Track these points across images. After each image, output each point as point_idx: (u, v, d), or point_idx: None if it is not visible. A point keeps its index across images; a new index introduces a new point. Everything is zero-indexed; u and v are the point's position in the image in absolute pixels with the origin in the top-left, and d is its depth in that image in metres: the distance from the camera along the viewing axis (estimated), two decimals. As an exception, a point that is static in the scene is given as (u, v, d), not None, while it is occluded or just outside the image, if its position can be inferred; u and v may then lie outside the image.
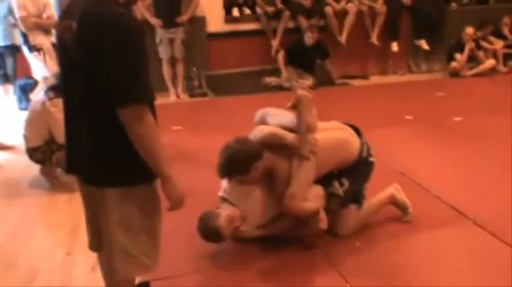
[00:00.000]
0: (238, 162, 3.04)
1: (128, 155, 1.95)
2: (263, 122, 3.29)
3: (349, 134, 3.32)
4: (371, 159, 3.35)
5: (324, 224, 3.14)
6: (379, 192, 3.58)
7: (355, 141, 3.29)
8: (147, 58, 1.97)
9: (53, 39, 6.37)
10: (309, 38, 7.72)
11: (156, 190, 2.12)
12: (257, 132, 3.17)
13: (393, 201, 3.56)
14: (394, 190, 3.58)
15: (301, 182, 3.02)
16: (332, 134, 3.25)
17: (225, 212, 3.16)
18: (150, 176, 2.04)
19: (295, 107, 3.11)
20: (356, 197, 3.32)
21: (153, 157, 1.96)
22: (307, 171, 3.04)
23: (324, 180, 3.19)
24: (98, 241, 2.22)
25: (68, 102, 2.09)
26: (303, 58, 7.85)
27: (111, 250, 2.12)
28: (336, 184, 3.21)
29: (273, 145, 3.10)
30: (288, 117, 3.20)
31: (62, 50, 2.05)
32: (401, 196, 3.57)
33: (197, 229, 3.17)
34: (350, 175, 3.22)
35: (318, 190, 3.15)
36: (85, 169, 2.09)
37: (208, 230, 3.12)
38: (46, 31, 6.32)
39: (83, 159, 2.06)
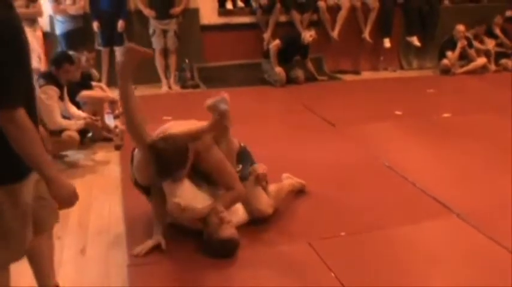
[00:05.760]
0: (172, 159, 3.01)
1: None
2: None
3: None
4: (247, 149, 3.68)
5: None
6: (365, 185, 3.65)
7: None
8: (20, 55, 1.88)
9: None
10: (310, 37, 7.61)
11: (17, 195, 2.03)
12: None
13: (294, 188, 3.82)
14: (290, 179, 3.85)
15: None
16: None
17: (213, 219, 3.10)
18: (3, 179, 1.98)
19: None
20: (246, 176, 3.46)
21: (34, 160, 1.93)
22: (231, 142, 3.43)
23: None
24: None
25: None
26: (286, 51, 7.67)
27: None
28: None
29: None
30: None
31: None
32: (295, 180, 3.87)
33: (211, 255, 3.07)
34: (241, 161, 3.51)
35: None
36: None
37: (220, 247, 3.05)
38: None
39: None
